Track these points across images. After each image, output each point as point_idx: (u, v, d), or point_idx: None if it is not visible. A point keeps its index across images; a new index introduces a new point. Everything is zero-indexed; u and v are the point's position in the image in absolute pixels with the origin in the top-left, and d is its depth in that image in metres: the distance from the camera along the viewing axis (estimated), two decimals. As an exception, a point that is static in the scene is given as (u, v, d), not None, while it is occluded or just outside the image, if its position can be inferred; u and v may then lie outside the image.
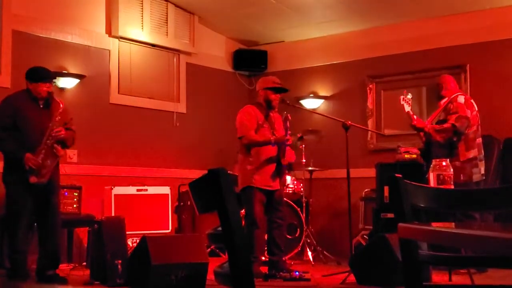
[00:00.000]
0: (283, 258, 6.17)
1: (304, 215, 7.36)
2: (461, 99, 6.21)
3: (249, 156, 6.00)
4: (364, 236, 7.48)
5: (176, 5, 8.23)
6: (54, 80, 5.93)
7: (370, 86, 8.31)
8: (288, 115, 6.03)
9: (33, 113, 5.47)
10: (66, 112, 5.64)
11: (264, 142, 5.97)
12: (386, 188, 6.49)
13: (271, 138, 5.97)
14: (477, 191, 2.61)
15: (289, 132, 6.00)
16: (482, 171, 6.17)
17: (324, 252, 7.39)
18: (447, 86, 6.33)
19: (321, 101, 8.68)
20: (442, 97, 6.34)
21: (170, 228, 7.37)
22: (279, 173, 6.04)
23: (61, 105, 5.54)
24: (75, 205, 6.68)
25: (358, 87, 8.39)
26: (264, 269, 5.94)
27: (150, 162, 7.95)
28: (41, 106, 5.54)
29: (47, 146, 5.41)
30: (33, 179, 5.34)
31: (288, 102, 6.22)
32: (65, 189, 6.55)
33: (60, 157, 5.58)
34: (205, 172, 2.68)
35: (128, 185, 7.28)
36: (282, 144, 5.96)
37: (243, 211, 6.51)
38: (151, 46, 8.08)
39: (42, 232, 5.59)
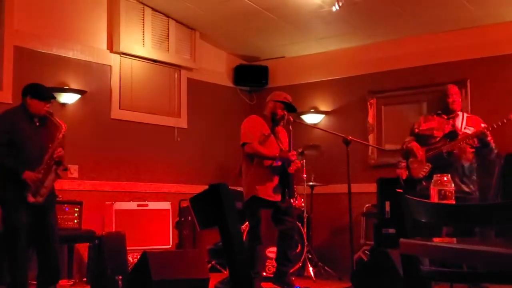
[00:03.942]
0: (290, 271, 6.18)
1: (305, 230, 7.34)
2: None
3: (251, 166, 5.99)
4: (366, 251, 7.46)
5: (177, 21, 8.26)
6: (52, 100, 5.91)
7: (371, 101, 8.32)
8: (290, 117, 6.06)
9: (30, 130, 5.44)
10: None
11: (268, 156, 5.96)
12: (387, 204, 6.47)
13: (276, 154, 5.95)
14: (478, 206, 2.60)
15: (292, 147, 6.01)
16: None
17: (326, 267, 7.36)
18: (459, 100, 6.12)
19: (322, 116, 8.68)
20: (451, 110, 6.07)
21: (170, 243, 7.35)
22: (285, 185, 6.00)
23: (63, 127, 5.52)
24: (75, 221, 6.67)
25: (358, 102, 8.40)
26: (265, 285, 5.92)
27: (151, 178, 7.95)
28: (37, 124, 5.51)
29: (47, 166, 5.39)
30: (30, 199, 5.31)
31: (287, 114, 6.22)
32: (65, 205, 6.54)
33: (59, 177, 5.56)
34: (206, 187, 2.68)
35: (129, 201, 7.28)
36: (286, 161, 5.95)
37: (244, 225, 6.51)
38: (152, 62, 8.11)
39: (41, 248, 5.55)
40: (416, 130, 6.20)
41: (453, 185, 3.31)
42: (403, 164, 6.71)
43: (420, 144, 6.10)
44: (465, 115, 6.16)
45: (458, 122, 6.06)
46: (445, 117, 6.10)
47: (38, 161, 5.37)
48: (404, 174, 6.24)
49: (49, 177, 5.41)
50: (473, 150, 5.96)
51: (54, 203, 5.67)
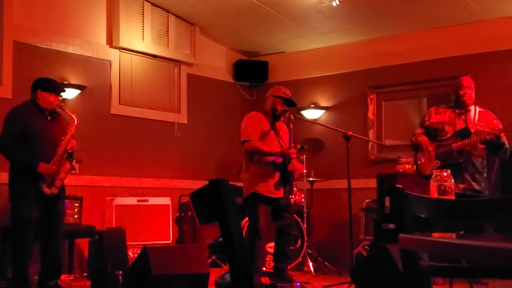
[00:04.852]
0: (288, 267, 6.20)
1: (305, 226, 7.35)
2: None
3: (252, 163, 6.00)
4: (365, 246, 7.47)
5: (177, 16, 8.26)
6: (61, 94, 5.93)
7: (371, 96, 8.32)
8: (291, 115, 6.05)
9: (42, 125, 5.46)
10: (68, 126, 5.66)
11: (269, 153, 5.96)
12: (387, 199, 6.48)
13: (277, 150, 5.96)
14: (478, 202, 2.61)
15: (292, 144, 6.01)
16: None
17: (325, 263, 7.38)
18: (471, 93, 5.93)
19: (322, 111, 8.69)
20: (462, 103, 5.91)
21: (171, 238, 7.36)
22: (285, 181, 6.00)
23: (75, 119, 5.54)
24: (76, 216, 6.68)
25: (359, 97, 8.40)
26: (265, 280, 5.93)
27: (151, 173, 7.95)
28: (49, 118, 5.53)
29: (61, 158, 5.41)
30: (46, 190, 5.33)
31: (287, 112, 6.22)
32: (66, 200, 6.54)
33: (74, 171, 5.59)
34: (206, 182, 2.69)
35: (129, 196, 7.28)
36: (287, 158, 5.96)
37: (244, 221, 6.53)
38: (152, 57, 8.10)
39: (45, 242, 5.56)
40: (427, 123, 6.03)
41: (452, 180, 3.31)
42: (403, 159, 6.69)
43: (429, 137, 5.93)
44: (478, 109, 5.97)
45: (471, 119, 5.87)
46: (457, 111, 5.94)
47: (51, 154, 5.39)
48: (411, 169, 6.14)
49: (63, 168, 5.44)
50: (484, 146, 5.77)
51: (63, 196, 5.69)
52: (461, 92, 5.92)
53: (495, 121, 5.90)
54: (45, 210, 5.44)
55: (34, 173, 5.29)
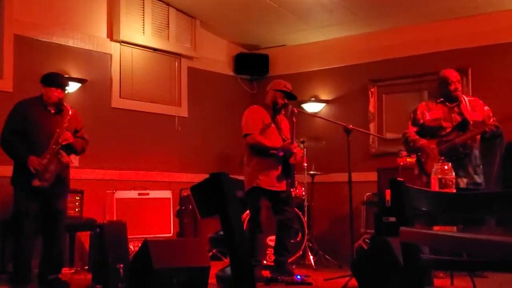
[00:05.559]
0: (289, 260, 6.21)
1: (305, 219, 7.36)
2: None
3: (254, 157, 6.00)
4: (366, 240, 7.47)
5: (178, 9, 8.24)
6: (66, 88, 5.91)
7: (372, 90, 8.31)
8: (294, 108, 6.05)
9: (43, 118, 5.49)
10: (76, 119, 5.67)
11: (270, 147, 5.97)
12: (387, 192, 6.47)
13: (279, 146, 5.96)
14: (479, 195, 2.61)
15: (295, 139, 6.02)
16: None
17: (326, 256, 7.38)
18: (460, 86, 5.94)
19: (323, 105, 8.68)
20: (454, 97, 5.88)
21: (171, 232, 7.36)
22: (286, 174, 6.01)
23: (70, 112, 5.55)
24: (77, 209, 6.69)
25: (359, 91, 8.39)
26: (266, 273, 5.94)
27: (152, 166, 7.95)
28: (52, 112, 5.54)
29: (52, 151, 5.42)
30: (35, 182, 5.36)
31: (290, 105, 6.22)
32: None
33: (65, 163, 5.57)
34: (207, 176, 2.69)
35: (130, 189, 7.28)
36: (288, 152, 5.96)
37: (245, 214, 6.53)
38: (152, 50, 8.09)
39: (46, 236, 5.59)
40: (421, 121, 5.96)
41: (453, 173, 3.30)
42: (404, 153, 6.66)
43: (426, 135, 5.90)
44: (467, 99, 5.95)
45: (465, 110, 5.83)
46: (449, 105, 5.90)
47: (47, 148, 5.41)
48: (415, 169, 6.03)
49: (54, 162, 5.44)
50: (479, 136, 5.76)
51: (64, 191, 5.69)
52: (452, 88, 5.88)
53: (485, 108, 5.93)
54: (45, 205, 5.47)
55: (27, 167, 5.33)
